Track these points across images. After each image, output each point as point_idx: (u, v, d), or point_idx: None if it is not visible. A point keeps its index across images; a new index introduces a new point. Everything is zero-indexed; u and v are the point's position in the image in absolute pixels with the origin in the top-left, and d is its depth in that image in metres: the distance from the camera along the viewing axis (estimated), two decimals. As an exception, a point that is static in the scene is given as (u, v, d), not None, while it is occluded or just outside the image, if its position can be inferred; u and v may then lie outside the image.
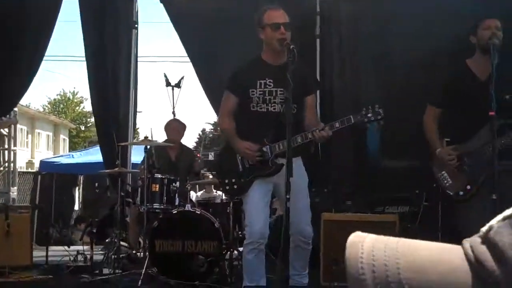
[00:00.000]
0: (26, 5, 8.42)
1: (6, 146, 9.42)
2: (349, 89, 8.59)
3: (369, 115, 4.80)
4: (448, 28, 8.24)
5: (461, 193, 4.95)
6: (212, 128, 62.15)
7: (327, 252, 6.05)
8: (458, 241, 0.84)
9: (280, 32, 4.80)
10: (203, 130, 59.83)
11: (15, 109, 9.38)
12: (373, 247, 0.84)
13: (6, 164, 9.48)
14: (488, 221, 0.80)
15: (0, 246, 6.98)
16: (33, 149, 34.72)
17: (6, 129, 9.20)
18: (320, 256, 6.13)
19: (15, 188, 9.62)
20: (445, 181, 5.12)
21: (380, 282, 0.78)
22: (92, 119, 47.36)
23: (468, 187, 4.90)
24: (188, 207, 6.57)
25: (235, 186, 5.04)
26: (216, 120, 58.66)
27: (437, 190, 6.22)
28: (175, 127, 7.85)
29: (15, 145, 9.70)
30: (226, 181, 5.09)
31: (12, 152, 9.49)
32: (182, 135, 8.05)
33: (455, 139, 5.18)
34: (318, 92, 8.19)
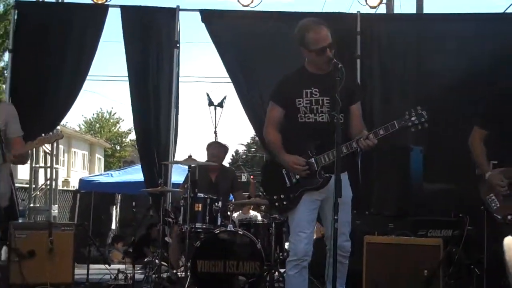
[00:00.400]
0: (70, 25, 8.55)
1: (49, 164, 9.51)
2: (389, 110, 8.54)
3: (413, 118, 4.73)
4: (487, 48, 8.21)
5: (509, 217, 4.87)
6: (246, 149, 62.40)
7: (369, 275, 5.97)
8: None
9: (326, 56, 4.73)
10: (237, 151, 59.97)
11: (58, 127, 9.52)
12: None
13: (48, 182, 9.56)
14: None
15: (43, 263, 6.99)
16: (69, 168, 35.09)
17: (49, 147, 9.31)
18: (362, 279, 6.03)
19: (56, 206, 9.68)
20: (493, 204, 5.10)
21: None
22: (127, 139, 48.02)
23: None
24: (230, 227, 6.54)
25: (285, 202, 4.89)
26: (249, 141, 58.98)
27: (482, 213, 6.16)
28: (217, 153, 7.85)
29: (57, 163, 9.80)
30: (275, 197, 4.93)
31: (54, 170, 9.58)
32: (224, 158, 8.07)
33: (503, 162, 5.11)
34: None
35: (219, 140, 8.20)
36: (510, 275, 3.11)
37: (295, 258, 4.80)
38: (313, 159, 4.78)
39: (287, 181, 4.90)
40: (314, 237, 7.89)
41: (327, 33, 4.84)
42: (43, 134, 5.53)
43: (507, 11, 11.13)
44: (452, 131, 8.08)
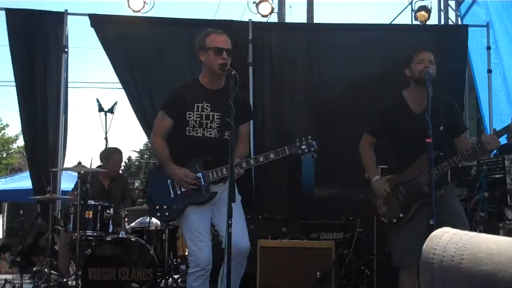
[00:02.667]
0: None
1: None
2: (280, 117, 8.71)
3: (303, 146, 4.87)
4: (382, 57, 8.54)
5: (394, 220, 5.09)
6: (138, 156, 61.65)
7: (263, 279, 6.06)
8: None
9: (222, 57, 4.81)
10: (129, 158, 59.16)
11: None
12: (449, 240, 0.94)
13: None
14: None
15: None
16: (-48, 176, 33.55)
17: None
18: (256, 283, 6.11)
19: None
20: (380, 209, 5.24)
21: (444, 270, 0.89)
22: (14, 145, 46.34)
23: (401, 215, 5.08)
24: (122, 234, 6.47)
25: (167, 213, 4.89)
26: (142, 148, 58.32)
27: (371, 216, 6.40)
28: (119, 161, 7.75)
29: None
30: (157, 207, 4.91)
31: None
32: (120, 167, 7.99)
33: (391, 168, 5.32)
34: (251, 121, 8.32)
35: (109, 146, 8.09)
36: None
37: (198, 269, 4.74)
38: (200, 173, 4.80)
39: (171, 191, 4.89)
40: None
41: (228, 40, 4.94)
42: None
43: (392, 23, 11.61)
44: (341, 137, 8.32)
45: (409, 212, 5.03)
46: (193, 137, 4.83)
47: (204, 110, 4.85)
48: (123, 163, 8.65)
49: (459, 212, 5.07)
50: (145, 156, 59.62)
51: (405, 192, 5.08)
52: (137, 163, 60.18)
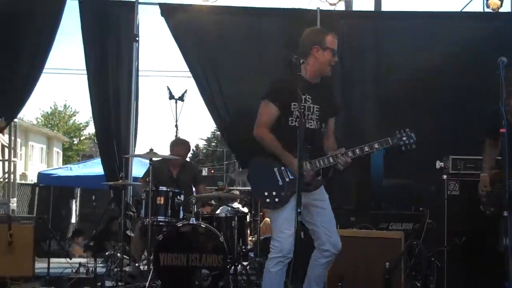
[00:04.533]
0: (27, 17, 8.42)
1: (6, 157, 9.41)
2: (349, 108, 8.65)
3: (404, 138, 4.99)
4: (453, 46, 8.38)
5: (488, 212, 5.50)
6: (206, 144, 62.31)
7: (333, 268, 6.04)
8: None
9: (335, 59, 5.11)
10: (197, 146, 59.85)
11: (16, 120, 9.42)
12: None
13: (6, 175, 9.47)
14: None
15: (2, 257, 6.96)
16: (27, 162, 34.58)
17: (7, 140, 9.20)
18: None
19: (15, 199, 9.58)
20: (484, 199, 5.71)
21: None
22: (85, 132, 47.52)
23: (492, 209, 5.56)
24: (192, 220, 6.56)
25: (276, 200, 4.91)
26: (209, 136, 58.91)
27: (441, 207, 6.35)
28: (180, 154, 7.83)
29: (15, 156, 9.69)
30: (266, 193, 4.94)
31: (12, 163, 9.49)
32: (186, 155, 8.07)
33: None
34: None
35: (180, 134, 8.18)
36: None
37: (280, 255, 4.82)
38: (307, 162, 4.82)
39: (279, 179, 4.94)
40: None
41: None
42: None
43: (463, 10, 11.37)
44: (412, 127, 8.21)
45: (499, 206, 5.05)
46: (295, 127, 4.82)
47: (307, 101, 4.95)
48: (191, 151, 8.71)
49: None
50: (212, 144, 60.27)
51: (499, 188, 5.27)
52: (204, 151, 60.90)
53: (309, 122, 4.95)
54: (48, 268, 7.42)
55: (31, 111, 63.23)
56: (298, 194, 4.24)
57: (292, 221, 4.57)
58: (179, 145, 7.91)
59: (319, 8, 8.74)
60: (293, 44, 8.31)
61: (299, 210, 4.22)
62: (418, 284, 6.27)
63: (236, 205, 10.05)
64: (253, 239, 8.75)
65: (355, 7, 14.77)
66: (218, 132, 53.71)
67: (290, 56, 4.68)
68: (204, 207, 9.40)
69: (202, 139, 59.21)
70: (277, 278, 4.88)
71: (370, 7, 14.33)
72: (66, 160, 43.47)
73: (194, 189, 7.92)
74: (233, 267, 6.58)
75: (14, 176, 9.57)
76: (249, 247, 7.59)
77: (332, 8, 9.26)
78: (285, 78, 5.11)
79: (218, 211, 7.91)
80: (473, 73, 8.16)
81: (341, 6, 12.55)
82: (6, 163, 9.46)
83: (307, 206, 4.93)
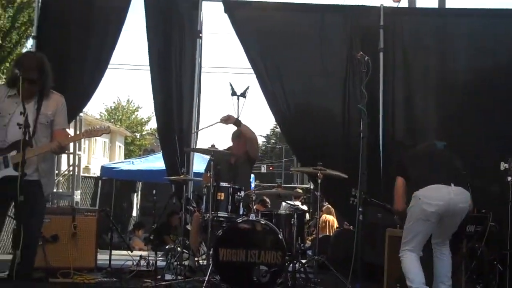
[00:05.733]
0: (93, 13, 8.58)
1: (71, 150, 9.60)
2: (411, 106, 8.56)
3: None
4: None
5: None
6: (265, 140, 62.47)
7: (391, 269, 6.00)
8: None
9: None
10: (256, 142, 59.86)
11: (81, 114, 9.60)
12: None
13: (71, 168, 9.66)
14: None
15: (66, 247, 7.14)
16: (90, 155, 35.30)
17: (72, 134, 9.38)
18: (384, 273, 6.07)
19: (79, 191, 9.78)
20: None
21: None
22: (147, 127, 48.15)
23: None
24: (252, 216, 6.59)
25: None
26: (268, 133, 58.88)
27: (505, 209, 6.19)
28: (236, 147, 7.85)
29: (79, 149, 9.89)
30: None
31: (76, 156, 9.68)
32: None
33: None
34: (381, 106, 8.23)
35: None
36: None
37: None
38: None
39: None
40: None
41: None
42: (90, 127, 5.55)
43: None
44: (475, 129, 8.09)
45: None
46: None
47: None
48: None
49: None
50: (272, 141, 60.38)
51: None
52: (263, 147, 61.04)
53: None
54: (110, 260, 7.58)
55: (95, 106, 64.43)
56: (359, 195, 4.24)
57: None
58: (236, 138, 7.93)
59: (382, 5, 8.65)
60: (357, 40, 8.40)
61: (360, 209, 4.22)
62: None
63: (296, 202, 10.07)
64: (311, 237, 8.78)
65: (419, 4, 14.56)
66: (277, 129, 53.89)
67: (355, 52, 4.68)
68: (258, 204, 9.45)
69: (261, 135, 59.30)
70: None
71: (434, 4, 14.09)
72: (128, 154, 44.21)
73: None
74: (291, 265, 6.58)
75: (79, 169, 9.75)
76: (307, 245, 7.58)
77: (395, 4, 9.18)
78: None
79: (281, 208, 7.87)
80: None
81: (404, 3, 12.39)
82: (71, 156, 9.65)
83: None
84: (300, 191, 15.06)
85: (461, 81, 8.47)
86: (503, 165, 6.50)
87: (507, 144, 7.68)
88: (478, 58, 8.47)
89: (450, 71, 8.54)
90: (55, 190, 9.07)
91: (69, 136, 5.83)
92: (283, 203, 9.07)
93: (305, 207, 11.55)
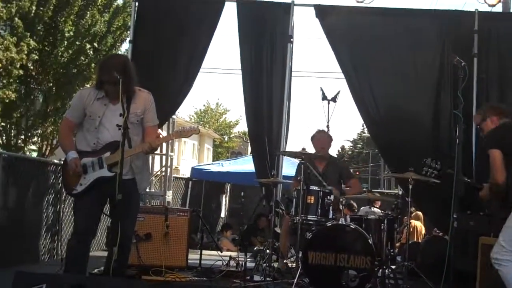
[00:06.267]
0: (187, 18, 8.79)
1: (164, 152, 9.86)
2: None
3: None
4: None
5: None
6: (352, 145, 61.99)
7: (483, 278, 5.87)
8: None
9: None
10: (343, 147, 59.66)
11: (173, 116, 9.85)
12: None
13: (163, 169, 9.93)
14: None
15: (158, 246, 7.34)
16: (179, 157, 35.97)
17: (164, 135, 9.64)
18: (476, 282, 5.95)
19: (170, 192, 10.03)
20: None
21: None
22: (235, 130, 48.66)
23: None
24: (342, 221, 6.60)
25: None
26: (355, 137, 58.44)
27: None
28: (322, 139, 7.90)
29: (171, 151, 10.15)
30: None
31: (169, 158, 9.93)
32: (329, 146, 8.08)
33: None
34: (474, 111, 8.07)
35: (329, 133, 8.23)
36: None
37: None
38: None
39: None
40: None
41: None
42: (180, 127, 5.67)
43: None
44: None
45: None
46: None
47: None
48: (336, 152, 8.72)
49: None
50: (358, 146, 59.87)
51: None
52: (350, 152, 60.60)
53: None
54: (200, 259, 7.74)
55: (185, 109, 65.61)
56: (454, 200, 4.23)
57: None
58: (318, 132, 7.96)
59: (477, 9, 8.50)
60: (449, 45, 8.27)
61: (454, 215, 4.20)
62: None
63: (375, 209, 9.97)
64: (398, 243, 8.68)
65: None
66: (364, 134, 53.35)
67: (448, 57, 4.65)
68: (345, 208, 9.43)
69: (348, 140, 58.93)
70: None
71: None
72: (216, 156, 44.80)
73: (343, 185, 7.91)
74: (380, 270, 6.55)
75: (171, 170, 10.01)
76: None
77: (489, 9, 8.98)
78: None
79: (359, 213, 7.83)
80: None
81: (498, 8, 12.08)
82: (163, 157, 9.91)
83: None
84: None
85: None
86: None
87: None
88: None
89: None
90: (148, 190, 9.33)
91: (160, 136, 5.98)
92: (361, 208, 8.99)
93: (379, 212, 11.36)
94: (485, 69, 8.36)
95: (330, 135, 8.11)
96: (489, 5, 8.79)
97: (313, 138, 7.96)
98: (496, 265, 5.19)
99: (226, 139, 49.14)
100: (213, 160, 35.75)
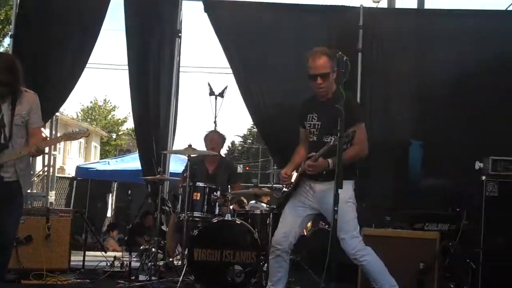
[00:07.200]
0: (72, 12, 8.51)
1: (46, 150, 9.49)
2: (389, 106, 8.59)
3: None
4: (497, 46, 8.23)
5: None
6: (242, 141, 62.46)
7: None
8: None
9: (316, 83, 5.24)
10: (233, 143, 59.97)
11: (57, 114, 9.50)
12: None
13: (46, 168, 9.55)
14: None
15: (39, 249, 7.02)
16: (65, 155, 35.03)
17: (47, 134, 9.29)
18: (358, 272, 6.06)
19: (53, 192, 9.68)
20: None
21: None
22: (123, 127, 47.93)
23: None
24: (228, 216, 6.56)
25: (280, 200, 5.61)
26: (245, 133, 58.97)
27: (479, 208, 6.23)
28: (214, 139, 7.84)
29: (54, 149, 9.78)
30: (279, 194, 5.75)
31: (51, 157, 9.57)
32: (220, 147, 8.04)
33: None
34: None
35: (218, 129, 8.17)
36: None
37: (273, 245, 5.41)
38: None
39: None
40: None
41: (324, 62, 5.20)
42: (69, 130, 5.47)
43: (508, 9, 11.16)
44: (451, 128, 8.14)
45: None
46: (311, 142, 5.37)
47: (313, 119, 5.36)
48: (226, 148, 8.71)
49: None
50: (248, 141, 60.36)
51: None
52: (240, 147, 61.03)
53: (312, 136, 5.32)
54: (84, 261, 7.49)
55: (71, 105, 63.96)
56: (335, 191, 4.28)
57: (285, 217, 5.42)
58: (211, 132, 7.90)
59: (362, 5, 8.67)
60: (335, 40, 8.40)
61: (335, 208, 4.23)
62: (452, 286, 6.22)
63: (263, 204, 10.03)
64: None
65: (398, 5, 14.62)
66: (254, 129, 53.96)
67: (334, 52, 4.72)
68: (234, 204, 9.42)
69: (238, 135, 59.34)
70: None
71: (413, 4, 14.13)
72: (104, 154, 43.93)
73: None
74: (266, 264, 6.55)
75: (53, 170, 9.66)
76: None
77: (375, 5, 9.19)
78: (304, 99, 5.65)
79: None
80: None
81: (383, 4, 12.42)
82: (46, 156, 9.54)
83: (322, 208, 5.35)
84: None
85: (439, 82, 8.50)
86: (478, 165, 6.55)
87: (482, 144, 7.72)
88: (457, 59, 8.49)
89: (429, 72, 8.57)
90: (29, 191, 8.96)
91: (47, 139, 5.81)
92: (250, 203, 9.05)
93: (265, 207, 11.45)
94: (369, 64, 8.54)
95: (222, 135, 8.02)
96: (374, 1, 9.00)
97: (206, 138, 7.86)
98: None
99: (114, 137, 48.32)
100: (101, 159, 35.03)
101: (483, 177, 6.41)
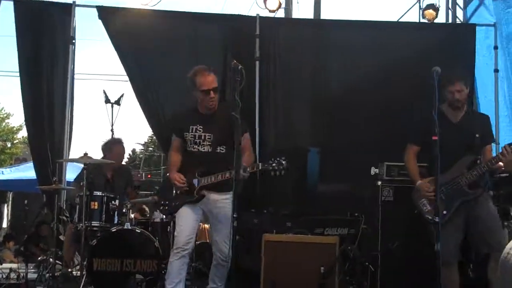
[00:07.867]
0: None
1: None
2: (287, 113, 8.73)
3: (274, 165, 5.55)
4: (389, 55, 8.53)
5: (436, 218, 5.29)
6: (143, 148, 61.70)
7: (267, 273, 6.07)
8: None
9: (210, 97, 5.64)
10: (133, 150, 59.13)
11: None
12: None
13: None
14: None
15: None
16: (-44, 165, 33.64)
17: None
18: (260, 277, 6.14)
19: None
20: (424, 208, 5.68)
21: None
22: (19, 135, 46.39)
23: (444, 212, 5.49)
24: (127, 225, 6.52)
25: (167, 208, 5.86)
26: (146, 140, 58.37)
27: (376, 212, 6.46)
28: (120, 152, 7.76)
29: None
30: (162, 202, 5.92)
31: None
32: (123, 158, 7.98)
33: (431, 171, 5.55)
34: (257, 113, 8.35)
35: (115, 137, 8.08)
36: None
37: (177, 247, 5.59)
38: (196, 180, 5.65)
39: (174, 192, 5.79)
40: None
41: (214, 77, 5.73)
42: None
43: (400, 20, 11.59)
44: (347, 134, 8.36)
45: (451, 209, 5.52)
46: (190, 152, 5.77)
47: (197, 131, 5.73)
48: (127, 155, 8.65)
49: (493, 211, 5.70)
50: (149, 148, 59.70)
51: (446, 192, 5.52)
52: (141, 155, 60.26)
53: (203, 147, 5.68)
54: (-24, 274, 7.26)
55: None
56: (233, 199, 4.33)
57: (188, 221, 5.65)
58: (118, 143, 7.82)
59: (258, 14, 8.78)
60: (232, 49, 8.48)
61: (234, 216, 4.30)
62: (352, 289, 6.37)
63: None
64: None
65: (295, 15, 14.92)
66: (155, 137, 53.30)
67: (230, 61, 4.82)
68: (136, 212, 9.34)
69: (139, 143, 58.55)
70: (174, 267, 5.56)
71: (310, 15, 14.46)
72: (-1, 163, 42.41)
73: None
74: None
75: None
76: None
77: (271, 15, 9.33)
78: (182, 112, 6.19)
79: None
80: (409, 82, 8.28)
81: (280, 14, 12.62)
82: None
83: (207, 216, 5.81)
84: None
85: (336, 91, 8.71)
86: (373, 170, 6.79)
87: (378, 150, 7.97)
88: (353, 68, 8.73)
89: (325, 81, 8.76)
90: None
91: None
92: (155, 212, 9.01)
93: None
94: (266, 72, 8.66)
95: (124, 147, 7.99)
96: (270, 11, 9.13)
97: (110, 149, 7.74)
98: None
99: (9, 145, 46.69)
100: (-4, 168, 33.83)
101: (379, 182, 6.67)
